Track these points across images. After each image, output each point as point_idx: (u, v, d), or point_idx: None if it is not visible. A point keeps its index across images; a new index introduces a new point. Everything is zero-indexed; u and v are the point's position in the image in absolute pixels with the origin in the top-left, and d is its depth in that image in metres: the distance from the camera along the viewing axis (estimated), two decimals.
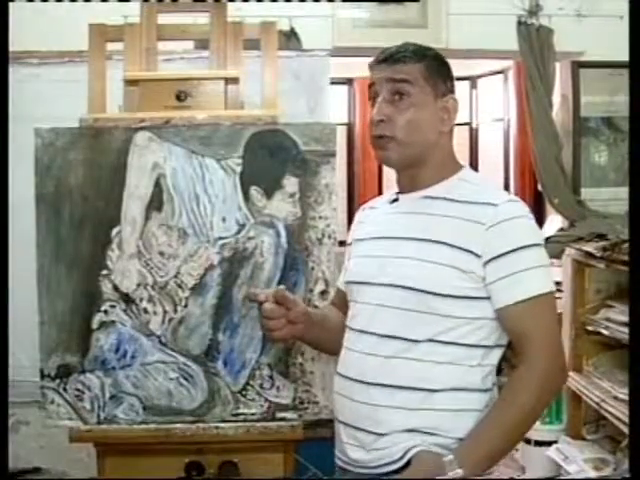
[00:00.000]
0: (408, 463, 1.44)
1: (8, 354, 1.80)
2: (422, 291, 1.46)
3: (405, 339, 1.47)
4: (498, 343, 1.50)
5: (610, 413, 2.79)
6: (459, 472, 1.38)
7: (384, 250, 1.55)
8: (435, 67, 1.55)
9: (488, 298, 1.47)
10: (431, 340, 1.46)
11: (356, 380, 1.52)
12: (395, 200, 1.61)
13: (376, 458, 1.48)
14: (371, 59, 1.56)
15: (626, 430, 2.82)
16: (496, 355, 1.51)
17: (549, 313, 1.48)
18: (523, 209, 1.51)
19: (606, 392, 2.88)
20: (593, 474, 2.92)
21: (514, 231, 1.46)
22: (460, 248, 1.46)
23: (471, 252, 1.45)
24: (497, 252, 1.45)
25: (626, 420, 2.78)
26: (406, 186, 1.59)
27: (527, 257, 1.45)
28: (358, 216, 1.73)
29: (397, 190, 1.63)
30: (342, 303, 1.70)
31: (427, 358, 1.46)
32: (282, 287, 1.67)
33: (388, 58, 1.53)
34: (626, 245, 3.03)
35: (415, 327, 1.47)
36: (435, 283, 1.46)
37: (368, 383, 1.50)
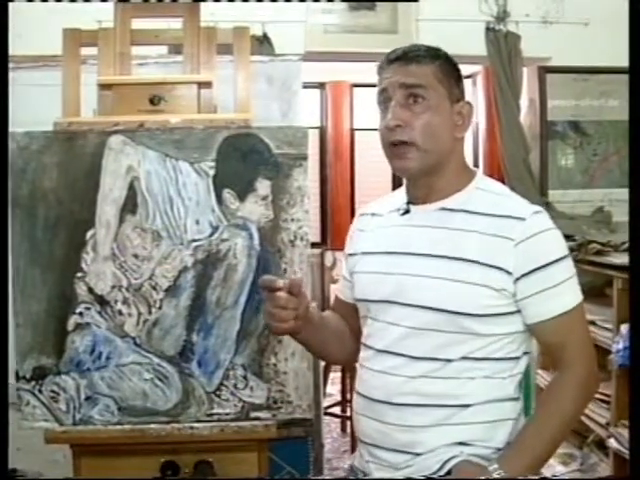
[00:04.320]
0: (448, 474, 1.41)
1: (7, 355, 1.79)
2: (454, 312, 1.41)
3: (437, 359, 1.43)
4: (526, 351, 1.50)
5: None
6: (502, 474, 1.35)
7: (402, 267, 1.47)
8: (449, 68, 1.48)
9: (518, 312, 1.44)
10: (464, 358, 1.43)
11: (383, 402, 1.46)
12: (406, 212, 1.53)
13: (410, 473, 1.44)
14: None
15: (592, 425, 2.89)
16: (524, 363, 1.50)
17: (582, 321, 1.50)
18: (548, 220, 1.46)
19: None
20: (560, 469, 2.99)
21: (544, 246, 1.43)
22: (490, 265, 1.41)
23: (501, 269, 1.41)
24: (528, 268, 1.41)
25: (592, 416, 2.85)
26: (419, 196, 1.51)
27: (558, 271, 1.43)
28: (357, 223, 1.66)
29: (406, 199, 1.54)
30: (345, 313, 1.66)
31: (460, 375, 1.43)
32: (299, 277, 1.56)
33: (400, 57, 1.45)
34: (592, 245, 3.11)
35: (447, 347, 1.43)
36: (467, 304, 1.41)
37: (397, 404, 1.44)
